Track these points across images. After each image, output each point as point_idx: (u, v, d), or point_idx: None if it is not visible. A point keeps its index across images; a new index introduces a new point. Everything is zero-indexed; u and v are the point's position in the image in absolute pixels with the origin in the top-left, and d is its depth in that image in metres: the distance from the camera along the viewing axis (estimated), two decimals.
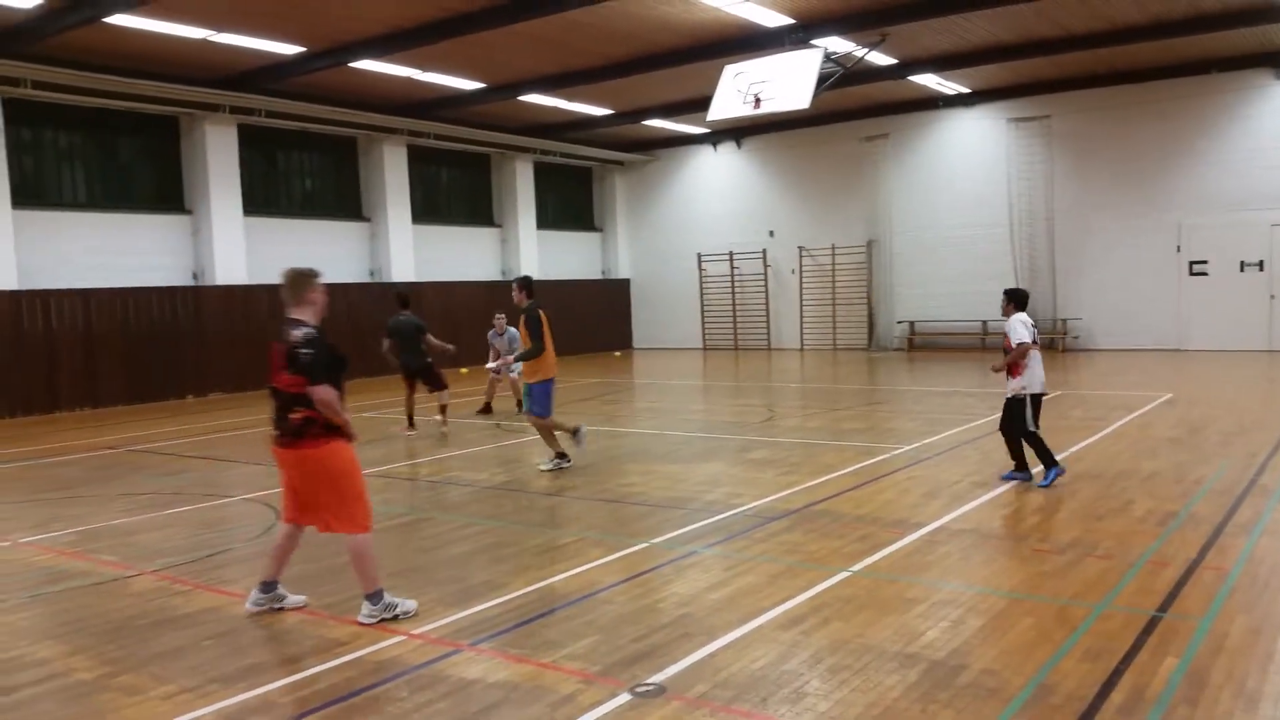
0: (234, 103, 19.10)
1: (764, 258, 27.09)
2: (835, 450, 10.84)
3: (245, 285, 19.77)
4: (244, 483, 10.15)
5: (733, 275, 27.68)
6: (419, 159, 24.04)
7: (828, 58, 16.07)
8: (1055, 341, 22.89)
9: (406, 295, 14.14)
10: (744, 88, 16.04)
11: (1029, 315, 8.83)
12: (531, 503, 8.85)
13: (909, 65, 19.78)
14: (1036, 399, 8.65)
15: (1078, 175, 22.59)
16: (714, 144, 27.66)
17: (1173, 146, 21.45)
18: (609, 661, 4.85)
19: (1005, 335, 8.73)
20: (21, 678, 4.94)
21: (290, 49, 16.79)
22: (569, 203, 29.19)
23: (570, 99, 21.92)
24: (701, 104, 17.89)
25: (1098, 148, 22.30)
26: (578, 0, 14.44)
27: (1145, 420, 12.18)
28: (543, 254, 27.15)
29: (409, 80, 19.23)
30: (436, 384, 13.22)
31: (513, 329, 14.17)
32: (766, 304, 27.26)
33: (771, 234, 26.97)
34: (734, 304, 27.75)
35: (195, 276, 19.50)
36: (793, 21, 16.18)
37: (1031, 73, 21.10)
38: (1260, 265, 20.79)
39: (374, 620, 5.51)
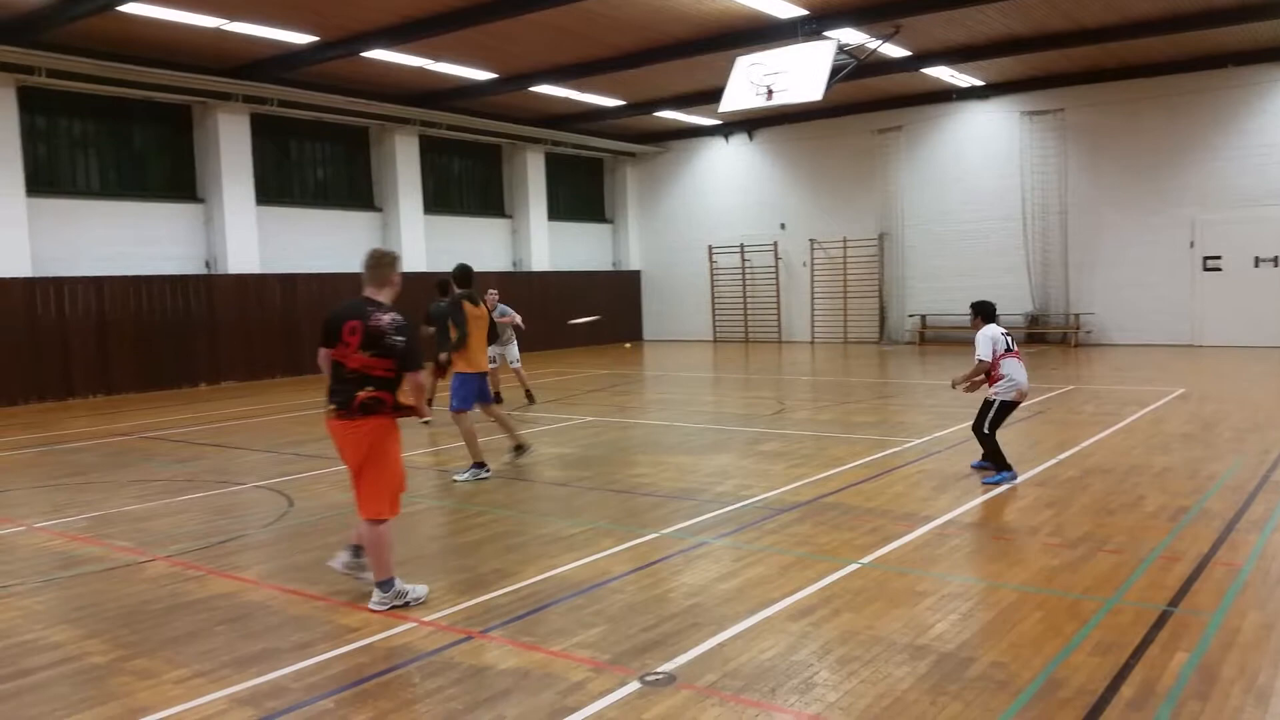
0: (247, 92, 19.15)
1: (775, 250, 27.05)
2: (846, 443, 10.83)
3: (258, 274, 19.85)
4: (256, 470, 10.20)
5: (744, 267, 27.65)
6: (431, 149, 24.06)
7: (841, 49, 16.00)
8: (1068, 336, 22.82)
9: (447, 282, 13.88)
10: (756, 79, 15.99)
11: (999, 325, 8.75)
12: (542, 493, 8.87)
13: (922, 58, 19.69)
14: (1006, 406, 8.57)
15: (1091, 169, 22.48)
16: (726, 136, 27.60)
17: (1187, 141, 21.33)
18: (619, 650, 4.87)
19: (994, 347, 8.58)
20: (36, 661, 4.99)
21: (303, 38, 16.81)
22: (580, 194, 29.19)
23: (582, 90, 21.89)
24: (713, 95, 17.86)
25: (1111, 142, 22.18)
26: None
27: (1158, 415, 12.13)
28: (553, 245, 27.19)
29: (421, 70, 19.24)
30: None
31: (505, 306, 14.33)
32: (777, 296, 27.22)
33: (783, 226, 26.92)
34: (745, 296, 27.72)
35: (208, 265, 19.58)
36: (806, 13, 16.12)
37: (1045, 66, 20.99)
38: (1275, 261, 20.65)
39: (384, 607, 5.54)
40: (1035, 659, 4.64)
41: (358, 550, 5.91)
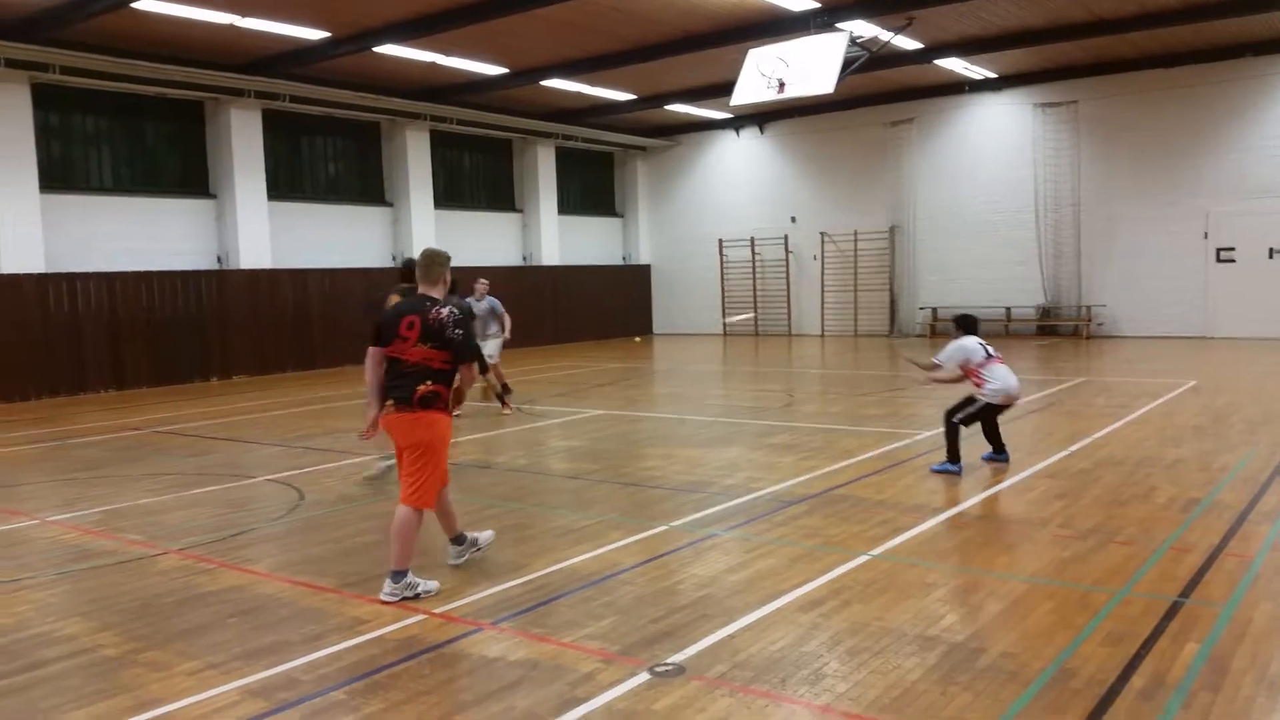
0: (259, 88, 19.19)
1: (785, 243, 26.99)
2: (855, 436, 10.81)
3: (269, 269, 19.91)
4: (268, 464, 10.24)
5: (754, 261, 27.59)
6: (441, 144, 24.08)
7: (853, 42, 15.92)
8: (1079, 328, 22.72)
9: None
10: (768, 72, 15.92)
11: (978, 336, 8.86)
12: (552, 485, 8.89)
13: (935, 49, 19.61)
14: (987, 408, 8.62)
15: (1104, 161, 22.35)
16: (736, 129, 27.54)
17: (1201, 132, 21.18)
18: (629, 641, 4.88)
19: (967, 360, 8.70)
20: (50, 653, 5.02)
21: (315, 34, 16.84)
22: (590, 188, 29.17)
23: (592, 84, 21.88)
24: (724, 89, 17.80)
25: (1125, 133, 22.05)
26: None
27: (1169, 407, 12.07)
28: (564, 239, 27.19)
29: (432, 65, 19.25)
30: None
31: (493, 298, 13.53)
32: (788, 290, 27.16)
33: (794, 219, 26.85)
34: (755, 289, 27.67)
35: (220, 260, 19.65)
36: (818, 5, 16.06)
37: (1059, 57, 20.87)
38: None
39: (395, 599, 5.57)
40: (1046, 649, 4.63)
41: (456, 539, 6.21)
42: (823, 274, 26.52)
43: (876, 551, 6.32)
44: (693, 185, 28.82)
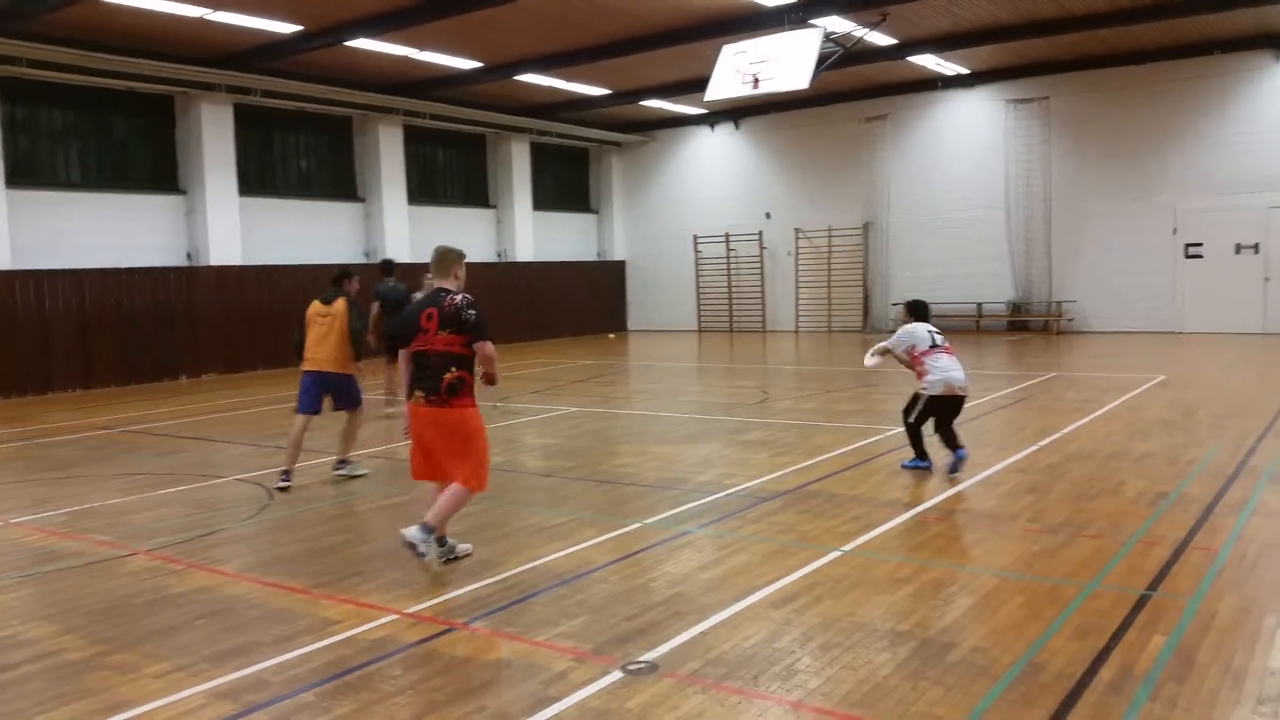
0: (230, 82, 18.99)
1: (760, 239, 27.04)
2: (829, 431, 10.85)
3: (240, 266, 19.72)
4: (238, 463, 10.15)
5: (729, 257, 27.63)
6: (415, 139, 23.94)
7: (827, 38, 15.95)
8: (1050, 324, 22.92)
9: (392, 262, 14.34)
10: (743, 67, 15.93)
11: (929, 324, 8.71)
12: (526, 483, 8.86)
13: (909, 46, 19.69)
14: (935, 401, 8.38)
15: (1075, 157, 22.54)
16: (711, 125, 27.55)
17: (1171, 128, 21.41)
18: (601, 640, 4.87)
19: (913, 345, 8.57)
20: (13, 657, 4.95)
21: (287, 27, 16.68)
22: (565, 184, 29.09)
23: (567, 79, 21.81)
24: (699, 84, 17.80)
25: (1095, 129, 22.25)
26: None
27: (1138, 402, 12.20)
28: (538, 235, 27.10)
29: (405, 59, 19.13)
30: None
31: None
32: (762, 286, 27.22)
33: (768, 216, 26.90)
34: (729, 286, 27.71)
35: (189, 257, 19.44)
36: (792, 1, 16.09)
37: (1031, 53, 21.01)
38: (1255, 248, 20.78)
39: (421, 542, 5.80)
40: (1016, 643, 4.66)
41: (440, 542, 6.21)
42: (797, 270, 26.60)
43: (849, 547, 6.35)
44: (668, 181, 28.81)
